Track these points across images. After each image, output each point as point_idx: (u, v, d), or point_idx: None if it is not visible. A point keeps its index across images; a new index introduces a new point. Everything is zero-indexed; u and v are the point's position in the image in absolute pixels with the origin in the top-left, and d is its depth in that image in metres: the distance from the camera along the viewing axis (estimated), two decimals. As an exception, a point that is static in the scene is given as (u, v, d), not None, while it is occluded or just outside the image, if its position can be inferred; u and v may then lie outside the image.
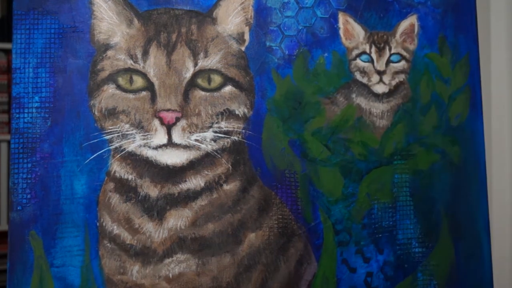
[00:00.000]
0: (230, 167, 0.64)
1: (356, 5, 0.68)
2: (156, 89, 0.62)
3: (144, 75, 0.62)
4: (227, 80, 0.64)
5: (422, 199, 0.67)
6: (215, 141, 0.63)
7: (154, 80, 0.62)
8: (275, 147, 0.65)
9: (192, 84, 0.63)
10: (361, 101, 0.67)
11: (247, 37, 0.66)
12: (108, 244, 0.61)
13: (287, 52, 0.66)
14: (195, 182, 0.63)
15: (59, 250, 0.61)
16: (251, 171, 0.64)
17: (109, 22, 0.63)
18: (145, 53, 0.63)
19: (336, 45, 0.67)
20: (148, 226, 0.62)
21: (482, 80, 0.71)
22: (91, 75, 0.63)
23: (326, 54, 0.67)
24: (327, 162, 0.66)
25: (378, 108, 0.68)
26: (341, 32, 0.67)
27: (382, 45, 0.68)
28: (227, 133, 0.64)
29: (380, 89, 0.68)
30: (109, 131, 0.62)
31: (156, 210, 0.62)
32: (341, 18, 0.67)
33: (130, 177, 0.62)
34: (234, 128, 0.64)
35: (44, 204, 0.61)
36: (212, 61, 0.64)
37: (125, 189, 0.62)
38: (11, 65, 0.62)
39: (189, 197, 0.63)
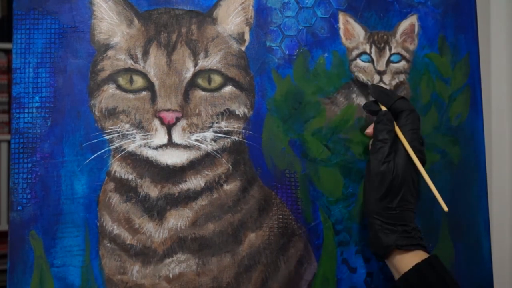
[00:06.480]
0: (230, 167, 0.64)
1: (356, 5, 0.68)
2: (156, 89, 0.62)
3: (144, 75, 0.62)
4: (227, 80, 0.64)
5: (422, 199, 0.67)
6: (215, 141, 0.63)
7: (154, 80, 0.62)
8: (275, 147, 0.65)
9: (192, 84, 0.63)
10: (361, 101, 0.67)
11: (247, 37, 0.66)
12: (108, 244, 0.61)
13: (287, 52, 0.66)
14: (195, 182, 0.63)
15: (59, 250, 0.61)
16: (251, 171, 0.64)
17: (109, 22, 0.63)
18: (145, 53, 0.63)
19: (336, 45, 0.67)
20: (148, 226, 0.62)
21: (482, 80, 0.71)
22: (91, 75, 0.63)
23: (326, 54, 0.67)
24: (327, 162, 0.66)
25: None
26: (341, 32, 0.67)
27: (382, 45, 0.68)
28: (227, 133, 0.64)
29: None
30: (109, 131, 0.62)
31: (156, 210, 0.62)
32: (341, 18, 0.67)
33: (130, 177, 0.62)
34: (234, 128, 0.64)
35: (44, 204, 0.61)
36: (212, 61, 0.64)
37: (125, 189, 0.62)
38: (11, 65, 0.62)
39: (189, 197, 0.63)
